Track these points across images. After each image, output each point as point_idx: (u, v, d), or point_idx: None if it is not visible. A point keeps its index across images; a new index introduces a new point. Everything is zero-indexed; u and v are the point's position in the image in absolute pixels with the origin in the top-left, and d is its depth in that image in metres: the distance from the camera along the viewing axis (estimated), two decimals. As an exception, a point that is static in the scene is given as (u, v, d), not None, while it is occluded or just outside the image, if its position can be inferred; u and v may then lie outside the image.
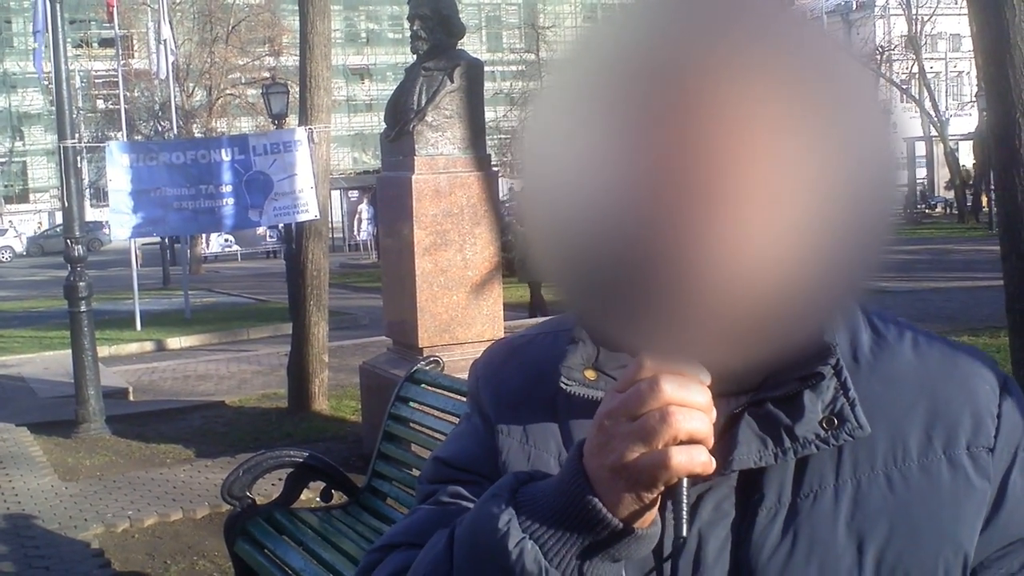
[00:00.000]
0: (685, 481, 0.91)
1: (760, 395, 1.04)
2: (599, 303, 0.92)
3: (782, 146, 0.85)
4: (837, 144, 0.86)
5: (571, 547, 0.95)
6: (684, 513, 0.91)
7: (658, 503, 0.94)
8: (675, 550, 1.02)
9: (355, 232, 39.86)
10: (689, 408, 0.89)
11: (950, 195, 41.36)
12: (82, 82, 47.31)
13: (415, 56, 7.92)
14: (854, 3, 61.60)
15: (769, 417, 1.03)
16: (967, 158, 40.91)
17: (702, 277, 0.86)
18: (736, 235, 0.85)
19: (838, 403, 1.02)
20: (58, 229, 43.46)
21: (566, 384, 1.07)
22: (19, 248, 49.78)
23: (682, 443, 0.89)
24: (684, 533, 0.91)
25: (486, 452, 1.16)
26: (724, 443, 1.02)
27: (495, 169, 8.08)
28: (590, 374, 1.08)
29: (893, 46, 44.73)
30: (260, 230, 36.18)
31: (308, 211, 9.74)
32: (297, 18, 10.35)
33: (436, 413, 5.03)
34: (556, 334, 1.16)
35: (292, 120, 17.46)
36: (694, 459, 0.89)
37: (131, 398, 11.53)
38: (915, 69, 41.60)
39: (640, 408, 0.90)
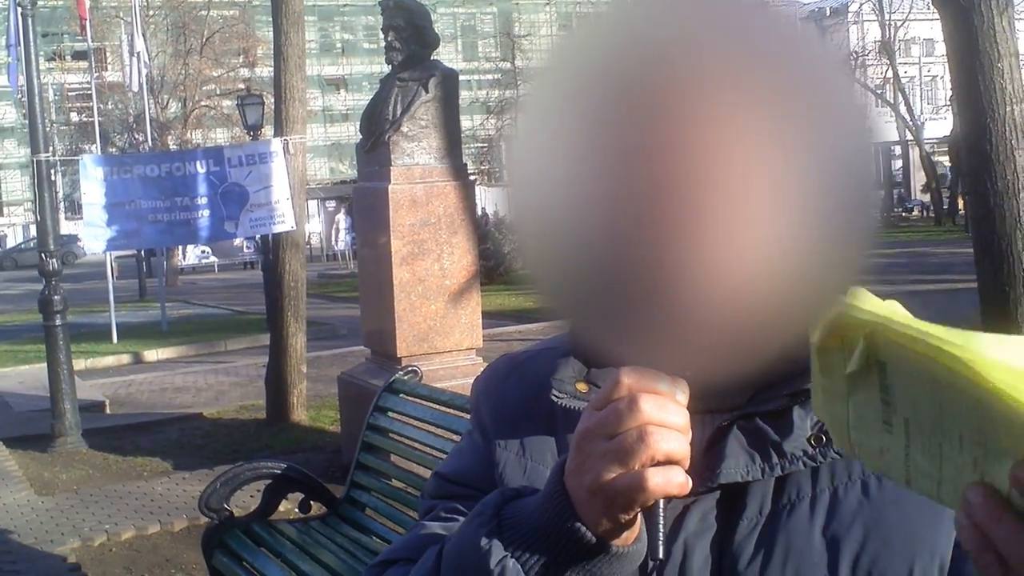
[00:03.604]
0: (662, 502, 0.90)
1: (749, 409, 1.03)
2: (586, 314, 0.91)
3: (763, 153, 0.84)
4: (817, 150, 0.85)
5: (552, 566, 0.95)
6: (661, 534, 0.90)
7: (638, 522, 0.93)
8: (650, 571, 1.01)
9: (333, 242, 39.80)
10: (667, 428, 0.88)
11: (926, 198, 41.67)
12: (55, 95, 47.05)
13: (390, 66, 7.92)
14: (827, 9, 61.98)
15: (758, 432, 1.02)
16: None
17: (685, 288, 0.85)
18: (718, 245, 0.84)
19: None
20: (32, 243, 43.13)
21: (557, 396, 1.07)
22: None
23: (659, 463, 0.88)
24: (661, 555, 0.90)
25: (485, 467, 1.16)
26: (711, 456, 1.02)
27: (472, 178, 8.08)
28: (581, 387, 1.08)
29: (867, 51, 45.01)
30: (237, 241, 36.00)
31: (284, 222, 9.73)
32: (271, 29, 10.34)
33: (415, 423, 5.03)
34: (559, 350, 1.15)
35: (268, 131, 17.43)
36: (671, 480, 0.88)
37: (108, 411, 11.45)
38: (889, 74, 41.90)
39: (618, 427, 0.89)
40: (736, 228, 0.84)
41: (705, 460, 1.02)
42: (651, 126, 0.84)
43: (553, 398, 1.07)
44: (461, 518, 1.12)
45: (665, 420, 0.88)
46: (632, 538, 0.94)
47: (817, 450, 1.01)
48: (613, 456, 0.89)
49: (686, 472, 0.90)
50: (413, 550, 1.14)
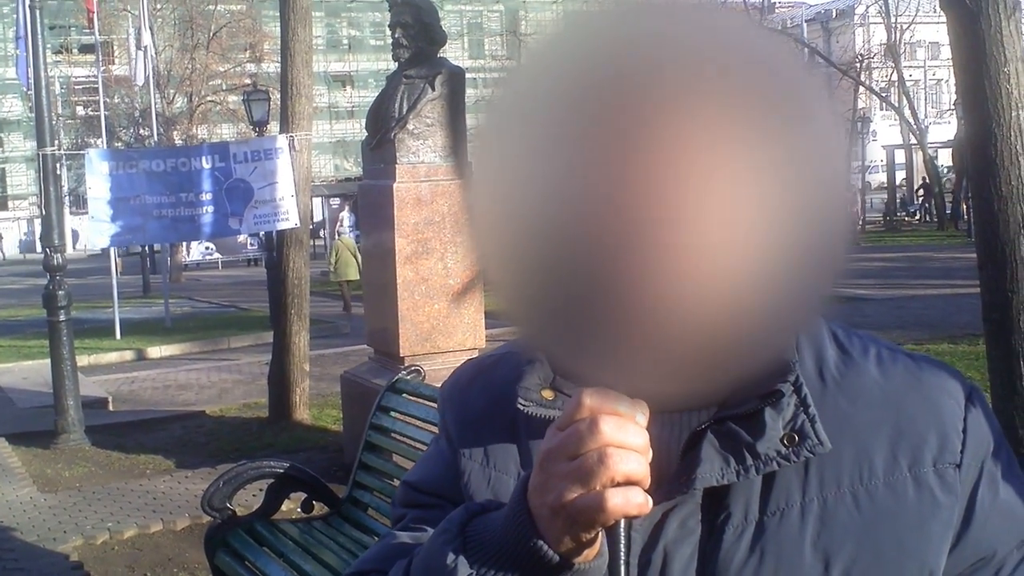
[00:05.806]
0: (623, 522, 0.91)
1: (722, 413, 1.04)
2: (549, 330, 0.91)
3: (732, 167, 0.82)
4: (789, 165, 0.84)
5: None
6: (621, 554, 0.91)
7: (599, 538, 0.94)
8: None
9: (336, 240, 39.78)
10: (626, 450, 0.89)
11: (929, 202, 41.52)
12: (62, 88, 47.02)
13: (397, 63, 7.91)
14: (834, 11, 61.90)
15: (731, 435, 1.03)
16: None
17: (652, 305, 0.84)
18: (686, 262, 0.83)
19: (799, 420, 1.02)
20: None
21: (523, 405, 1.07)
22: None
23: (619, 484, 0.89)
24: (622, 575, 0.91)
25: (451, 475, 1.17)
26: (687, 461, 1.03)
27: (476, 177, 8.06)
28: (547, 394, 1.08)
29: (872, 54, 44.92)
30: (241, 238, 36.07)
31: (289, 219, 9.73)
32: (278, 25, 10.33)
33: (417, 423, 5.03)
34: (523, 354, 1.15)
35: (273, 127, 17.37)
36: (630, 501, 0.89)
37: (111, 408, 11.47)
38: (894, 77, 41.81)
39: (579, 448, 0.90)
40: (705, 243, 0.83)
41: (681, 465, 1.03)
42: (616, 137, 0.83)
43: (519, 406, 1.07)
44: (429, 528, 1.13)
45: (624, 442, 0.89)
46: (593, 554, 0.95)
47: (791, 449, 1.01)
48: (574, 477, 0.90)
49: (648, 489, 0.91)
50: (383, 561, 1.15)
